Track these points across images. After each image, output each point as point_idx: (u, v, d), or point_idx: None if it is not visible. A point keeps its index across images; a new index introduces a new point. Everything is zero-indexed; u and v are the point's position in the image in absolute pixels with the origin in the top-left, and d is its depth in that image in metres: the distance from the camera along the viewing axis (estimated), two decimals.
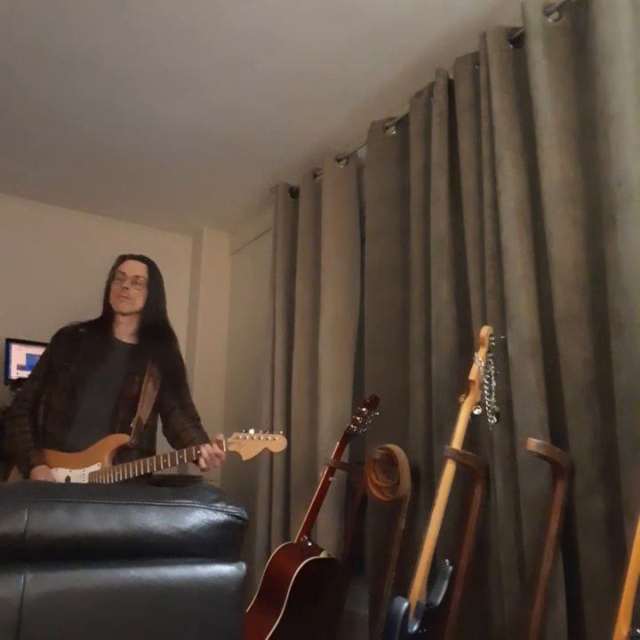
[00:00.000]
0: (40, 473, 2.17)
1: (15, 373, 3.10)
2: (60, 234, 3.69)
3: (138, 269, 2.46)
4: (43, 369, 2.39)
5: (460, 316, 2.11)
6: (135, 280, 2.43)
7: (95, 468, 2.21)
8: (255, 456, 2.17)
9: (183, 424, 2.38)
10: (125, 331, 2.44)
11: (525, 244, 1.86)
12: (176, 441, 2.36)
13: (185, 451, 2.18)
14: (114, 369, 2.36)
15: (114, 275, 2.47)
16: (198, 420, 2.43)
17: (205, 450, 2.14)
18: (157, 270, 2.52)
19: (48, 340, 2.47)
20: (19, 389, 2.93)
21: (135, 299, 2.42)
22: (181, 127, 2.89)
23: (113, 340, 2.42)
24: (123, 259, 2.51)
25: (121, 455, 2.26)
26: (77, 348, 2.37)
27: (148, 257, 2.54)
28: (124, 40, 2.34)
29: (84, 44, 2.36)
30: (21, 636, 0.90)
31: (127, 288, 2.41)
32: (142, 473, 2.18)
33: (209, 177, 3.36)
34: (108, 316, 2.45)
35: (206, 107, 2.73)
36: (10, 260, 3.49)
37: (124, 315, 2.43)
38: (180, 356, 2.53)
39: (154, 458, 2.19)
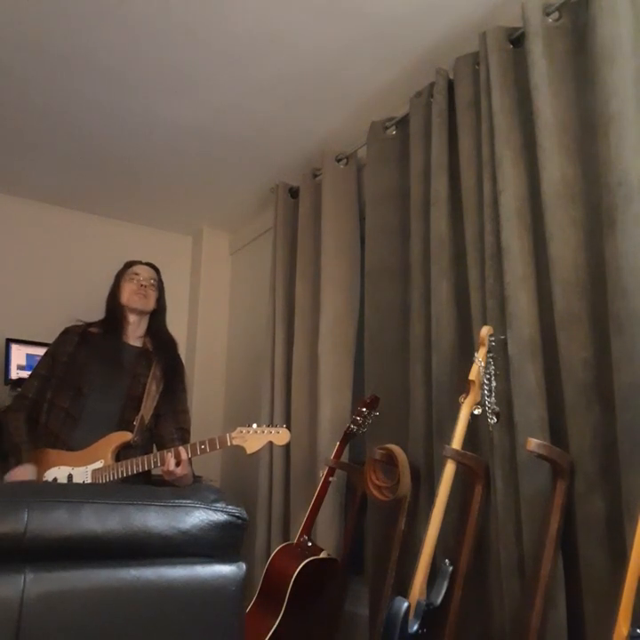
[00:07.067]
0: (21, 473, 2.16)
1: (15, 373, 3.10)
2: (60, 234, 3.69)
3: (150, 273, 2.56)
4: (45, 367, 2.39)
5: (460, 316, 2.11)
6: (149, 281, 2.52)
7: (98, 464, 2.22)
8: (259, 450, 2.17)
9: (171, 433, 2.39)
10: (134, 333, 2.48)
11: (525, 244, 1.86)
12: (161, 448, 2.35)
13: (188, 446, 2.19)
14: (122, 371, 2.39)
15: (125, 276, 2.52)
16: (187, 430, 2.44)
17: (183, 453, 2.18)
18: (162, 279, 2.62)
19: (48, 340, 2.47)
20: (18, 389, 2.94)
21: (150, 298, 2.51)
22: (181, 127, 2.89)
23: (123, 343, 2.44)
24: (131, 263, 2.57)
25: (124, 452, 2.27)
26: (87, 347, 2.39)
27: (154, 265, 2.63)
28: (124, 40, 2.34)
29: (84, 44, 2.36)
30: (21, 636, 0.90)
31: (145, 286, 2.49)
32: (145, 469, 2.20)
33: (209, 177, 3.36)
34: (118, 317, 2.46)
35: (206, 107, 2.73)
36: (10, 260, 3.50)
37: (137, 312, 2.47)
38: (181, 363, 2.58)
39: (157, 454, 2.21)
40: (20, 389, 2.47)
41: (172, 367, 2.49)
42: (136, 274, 2.52)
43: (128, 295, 2.47)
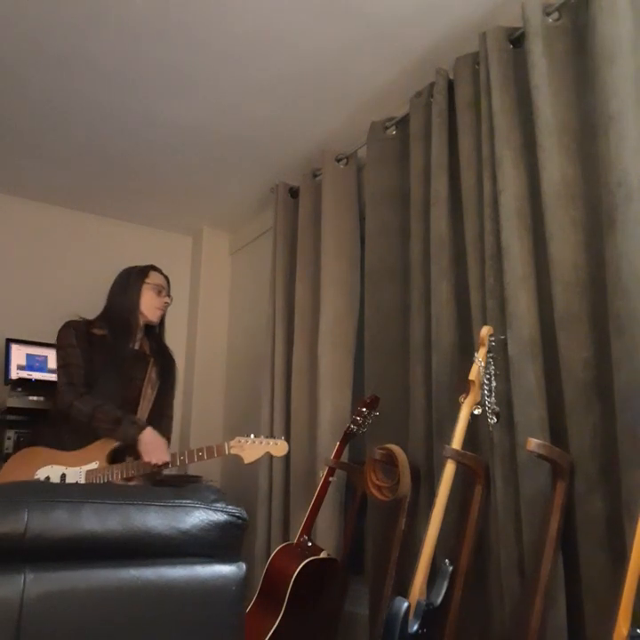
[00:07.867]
0: (152, 437, 2.22)
1: (15, 373, 3.10)
2: (60, 234, 3.69)
3: (167, 285, 2.56)
4: (77, 358, 2.32)
5: (460, 316, 2.11)
6: (170, 298, 2.54)
7: (92, 465, 2.22)
8: (256, 460, 2.23)
9: None
10: (136, 337, 2.48)
11: (525, 244, 1.86)
12: None
13: (186, 452, 2.22)
14: (121, 374, 2.38)
15: (147, 283, 2.48)
16: (168, 437, 2.43)
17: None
18: None
19: (48, 340, 2.45)
20: (19, 384, 2.92)
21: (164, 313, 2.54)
22: (181, 127, 2.89)
23: (128, 349, 2.44)
24: (152, 269, 2.54)
25: (119, 454, 2.27)
26: (92, 349, 2.36)
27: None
28: (123, 40, 2.34)
29: (83, 44, 2.36)
30: (21, 636, 0.90)
31: (167, 303, 2.51)
32: (139, 473, 2.21)
33: (209, 177, 3.36)
34: (132, 323, 2.44)
35: (206, 106, 2.73)
36: (10, 260, 3.50)
37: (149, 322, 2.48)
38: (176, 367, 2.60)
39: None
40: (63, 379, 2.34)
41: (167, 371, 2.51)
42: (162, 287, 2.51)
43: (152, 309, 2.47)
